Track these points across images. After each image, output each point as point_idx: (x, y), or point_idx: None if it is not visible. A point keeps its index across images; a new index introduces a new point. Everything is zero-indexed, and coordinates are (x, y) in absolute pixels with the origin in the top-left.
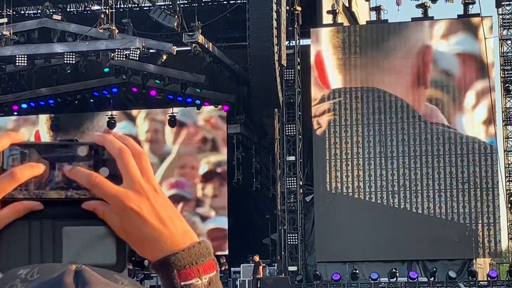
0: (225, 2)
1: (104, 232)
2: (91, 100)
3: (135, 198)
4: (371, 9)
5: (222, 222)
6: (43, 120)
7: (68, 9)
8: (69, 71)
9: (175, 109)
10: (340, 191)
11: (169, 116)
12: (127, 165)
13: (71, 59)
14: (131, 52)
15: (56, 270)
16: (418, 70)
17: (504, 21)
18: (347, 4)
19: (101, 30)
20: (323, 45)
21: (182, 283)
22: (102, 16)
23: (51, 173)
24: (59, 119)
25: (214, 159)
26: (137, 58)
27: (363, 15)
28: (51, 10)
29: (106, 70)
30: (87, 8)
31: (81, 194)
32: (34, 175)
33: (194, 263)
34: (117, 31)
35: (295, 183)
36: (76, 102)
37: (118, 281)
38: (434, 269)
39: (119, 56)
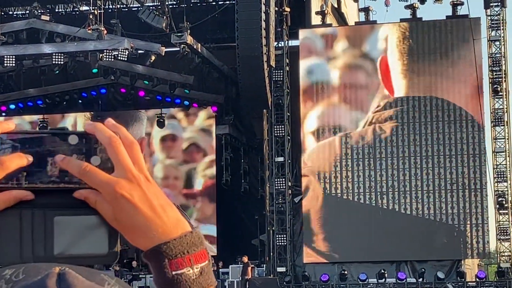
0: (214, 3)
1: (96, 221)
2: (80, 101)
3: (127, 186)
4: (360, 10)
5: (211, 230)
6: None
7: (57, 10)
8: (57, 71)
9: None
10: (328, 192)
11: (157, 117)
12: (117, 154)
13: (59, 59)
14: (120, 52)
15: (42, 270)
16: None
17: (492, 22)
18: (335, 5)
19: (89, 31)
20: (389, 50)
21: (173, 273)
22: (91, 16)
23: (42, 163)
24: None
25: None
26: (126, 59)
27: (352, 16)
28: (39, 11)
29: (95, 70)
30: (76, 9)
31: (73, 184)
32: (22, 164)
33: (186, 252)
34: (105, 31)
35: (283, 184)
36: (64, 103)
37: (104, 282)
38: (423, 270)
39: (107, 56)
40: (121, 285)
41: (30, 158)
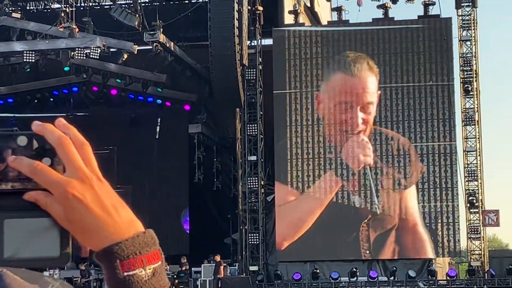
0: (187, 1)
1: (48, 223)
2: (51, 99)
3: (78, 186)
4: (333, 9)
5: None
6: None
7: (28, 7)
8: (28, 69)
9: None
10: (301, 190)
11: (130, 116)
12: (68, 154)
13: (30, 57)
14: (92, 51)
15: None
16: None
17: (463, 22)
18: (308, 4)
19: (61, 29)
20: None
21: (125, 274)
22: (62, 14)
23: None
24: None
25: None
26: (98, 57)
27: (325, 15)
28: (10, 8)
29: (66, 69)
30: (47, 6)
31: (25, 185)
32: None
33: (138, 253)
34: (77, 29)
35: (256, 183)
36: (35, 101)
37: (47, 285)
38: (394, 268)
39: (79, 55)
40: (65, 287)
41: None
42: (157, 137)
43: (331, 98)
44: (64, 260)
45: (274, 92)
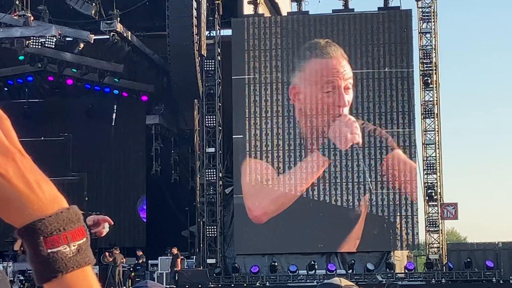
0: None
1: None
2: (6, 89)
3: (0, 161)
4: (292, 0)
5: None
6: None
7: None
8: None
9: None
10: (260, 183)
11: (86, 106)
12: None
13: None
14: (47, 39)
15: None
16: None
17: (423, 14)
18: None
19: (15, 17)
20: None
21: (49, 250)
22: (17, 2)
23: None
24: None
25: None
26: (53, 46)
27: (285, 7)
28: None
29: (21, 58)
30: None
31: None
32: None
33: (62, 229)
34: (32, 18)
35: (214, 175)
36: None
37: None
38: (353, 261)
39: (34, 43)
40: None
41: None
42: (113, 124)
43: (312, 85)
44: None
45: (233, 77)
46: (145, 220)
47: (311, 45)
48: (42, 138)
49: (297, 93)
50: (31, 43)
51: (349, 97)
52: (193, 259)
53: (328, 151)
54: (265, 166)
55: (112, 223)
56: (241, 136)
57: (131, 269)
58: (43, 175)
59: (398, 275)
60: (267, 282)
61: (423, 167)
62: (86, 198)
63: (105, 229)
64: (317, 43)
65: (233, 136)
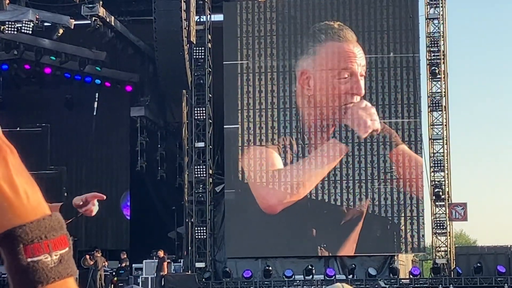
0: None
1: None
2: None
3: None
4: None
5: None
6: None
7: None
8: None
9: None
10: (253, 181)
11: (66, 97)
12: None
13: None
14: (24, 25)
15: None
16: None
17: None
18: None
19: None
20: None
21: (29, 259)
22: None
23: None
24: None
25: None
26: (30, 32)
27: None
28: None
29: None
30: None
31: None
32: None
33: (44, 237)
34: (7, 1)
35: (204, 172)
36: None
37: None
38: (353, 265)
39: (9, 29)
40: None
41: None
42: (94, 113)
43: (327, 70)
44: None
45: (224, 63)
46: (128, 217)
47: (324, 27)
48: (18, 129)
49: (307, 78)
50: (6, 29)
51: (363, 82)
52: (180, 262)
53: (327, 146)
54: (271, 153)
55: (104, 197)
56: (234, 126)
57: (114, 273)
58: (30, 178)
59: (402, 281)
60: None
61: (430, 164)
62: (65, 194)
63: (95, 206)
64: (329, 26)
65: (225, 126)
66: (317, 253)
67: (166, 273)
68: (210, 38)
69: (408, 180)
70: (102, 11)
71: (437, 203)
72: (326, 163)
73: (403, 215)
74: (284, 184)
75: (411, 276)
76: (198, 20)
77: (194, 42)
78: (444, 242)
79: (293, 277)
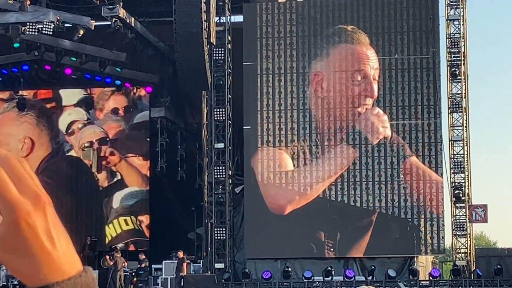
0: None
1: None
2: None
3: (32, 211)
4: None
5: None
6: None
7: None
8: None
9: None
10: (272, 182)
11: (85, 96)
12: (14, 170)
13: None
14: (44, 26)
15: None
16: None
17: (451, 0)
18: None
19: (10, 1)
20: None
21: None
22: None
23: None
24: None
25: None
26: (51, 33)
27: None
28: None
29: (16, 45)
30: None
31: None
32: None
33: None
34: (28, 2)
35: (223, 173)
36: None
37: None
38: (373, 267)
39: (30, 30)
40: None
41: None
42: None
43: (340, 72)
44: None
45: (244, 64)
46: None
47: (337, 30)
48: None
49: (320, 80)
50: (27, 30)
51: (376, 85)
52: (200, 263)
53: (347, 148)
54: (283, 156)
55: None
56: (250, 127)
57: (133, 273)
58: (65, 231)
59: (422, 282)
60: None
61: (450, 165)
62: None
63: None
64: (343, 29)
65: (244, 127)
66: (335, 255)
67: (185, 273)
68: (230, 39)
69: (428, 181)
70: (122, 12)
71: (457, 205)
72: (338, 166)
73: (422, 216)
74: (291, 185)
75: (430, 278)
76: (218, 21)
77: (214, 43)
78: (464, 243)
79: (312, 278)
